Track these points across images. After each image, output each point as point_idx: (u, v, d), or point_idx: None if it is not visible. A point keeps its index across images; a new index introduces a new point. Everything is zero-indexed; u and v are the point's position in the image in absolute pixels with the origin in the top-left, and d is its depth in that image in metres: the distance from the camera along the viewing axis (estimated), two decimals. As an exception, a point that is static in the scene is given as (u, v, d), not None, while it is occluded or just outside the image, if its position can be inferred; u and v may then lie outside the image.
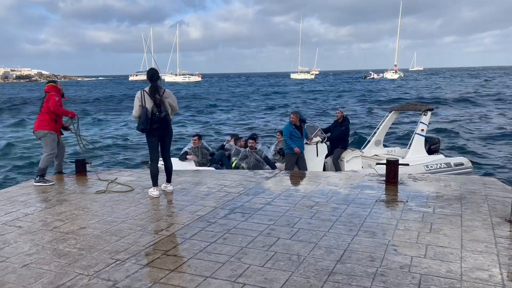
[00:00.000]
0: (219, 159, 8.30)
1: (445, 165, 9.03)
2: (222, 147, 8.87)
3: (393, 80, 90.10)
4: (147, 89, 5.39)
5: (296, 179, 6.36)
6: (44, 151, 6.41)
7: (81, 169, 6.86)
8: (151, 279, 3.17)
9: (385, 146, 10.52)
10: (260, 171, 7.10)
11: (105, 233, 4.19)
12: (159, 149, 5.61)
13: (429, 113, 9.11)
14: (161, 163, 5.72)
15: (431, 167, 8.87)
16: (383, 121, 10.20)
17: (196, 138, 8.46)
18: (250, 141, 8.38)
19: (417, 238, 3.87)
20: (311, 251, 3.63)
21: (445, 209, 4.70)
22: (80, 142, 6.88)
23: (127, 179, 6.49)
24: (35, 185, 6.16)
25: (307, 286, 3.00)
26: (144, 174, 6.87)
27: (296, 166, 8.22)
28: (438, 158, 9.18)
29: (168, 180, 5.78)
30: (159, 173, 5.66)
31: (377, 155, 9.68)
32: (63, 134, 6.78)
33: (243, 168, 7.99)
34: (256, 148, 8.30)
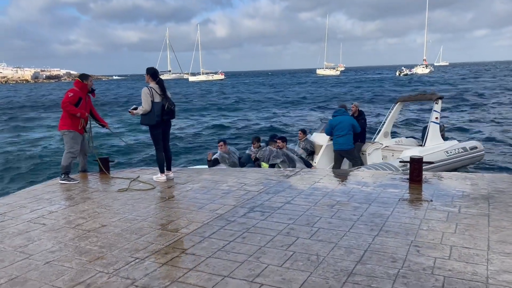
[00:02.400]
0: (246, 163, 8.30)
1: (462, 150, 9.32)
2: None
3: (424, 75, 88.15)
4: (152, 85, 5.91)
5: (318, 177, 6.27)
6: (65, 149, 6.54)
7: (104, 166, 6.95)
8: (169, 278, 3.18)
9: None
10: (281, 169, 7.05)
11: (126, 231, 4.23)
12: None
13: (440, 101, 9.27)
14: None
15: (450, 152, 9.10)
16: (390, 112, 10.28)
17: (221, 143, 8.34)
18: (279, 141, 8.24)
19: (441, 238, 3.75)
20: (331, 251, 3.56)
21: (471, 209, 4.54)
22: (90, 142, 6.89)
23: (149, 178, 6.56)
24: (60, 183, 6.30)
25: (326, 287, 2.94)
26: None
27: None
28: (454, 144, 9.44)
29: (169, 168, 6.44)
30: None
31: (388, 146, 9.75)
32: (86, 132, 6.76)
33: (279, 167, 7.96)
34: (287, 148, 8.24)
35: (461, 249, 3.50)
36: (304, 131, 9.38)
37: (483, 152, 9.93)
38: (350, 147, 8.50)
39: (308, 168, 8.11)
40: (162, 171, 6.27)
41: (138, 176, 6.59)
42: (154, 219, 4.60)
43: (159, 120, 5.91)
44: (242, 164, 8.19)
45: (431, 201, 4.87)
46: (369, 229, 4.05)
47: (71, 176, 6.48)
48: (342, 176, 6.32)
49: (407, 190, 5.40)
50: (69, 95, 6.38)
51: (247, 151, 9.00)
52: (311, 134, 9.51)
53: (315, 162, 8.74)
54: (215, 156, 8.28)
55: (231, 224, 4.32)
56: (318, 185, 5.81)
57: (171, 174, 6.43)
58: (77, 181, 6.38)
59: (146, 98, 5.86)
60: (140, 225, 4.41)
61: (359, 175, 6.44)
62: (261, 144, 8.90)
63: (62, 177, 6.40)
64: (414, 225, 4.13)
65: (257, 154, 8.33)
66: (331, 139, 8.77)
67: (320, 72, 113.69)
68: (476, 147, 9.68)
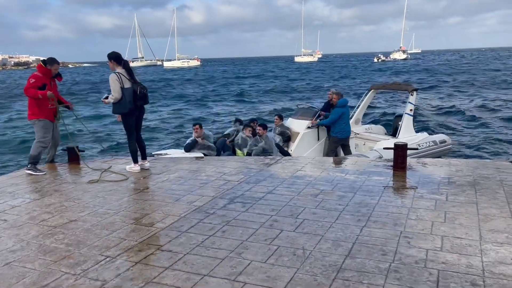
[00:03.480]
0: (220, 148, 7.96)
1: (432, 143, 9.32)
2: (226, 136, 8.48)
3: (401, 60, 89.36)
4: (119, 71, 5.52)
5: (300, 165, 6.06)
6: (35, 138, 6.11)
7: (73, 157, 6.55)
8: (143, 278, 2.90)
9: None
10: (261, 157, 6.80)
11: (96, 226, 3.91)
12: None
13: (415, 93, 9.22)
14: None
15: (422, 145, 9.09)
16: (362, 99, 10.22)
17: (197, 126, 7.86)
18: (259, 128, 7.92)
19: (431, 228, 3.59)
20: (317, 244, 3.35)
21: (458, 196, 4.41)
22: (64, 128, 6.44)
23: (122, 168, 6.20)
24: (26, 173, 5.89)
25: (314, 285, 2.73)
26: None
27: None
28: (425, 136, 9.46)
29: (144, 157, 6.13)
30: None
31: (358, 134, 9.70)
32: (58, 120, 6.24)
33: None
34: (266, 136, 7.89)
35: (453, 240, 3.35)
36: (280, 116, 9.10)
37: (451, 146, 10.00)
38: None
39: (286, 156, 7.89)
40: (135, 161, 5.95)
41: (110, 167, 6.22)
42: (127, 212, 4.28)
43: (132, 106, 5.55)
44: (217, 150, 7.87)
45: (417, 188, 4.72)
46: (356, 220, 3.86)
47: (38, 167, 6.06)
48: (324, 164, 6.12)
49: (391, 178, 5.25)
50: (31, 81, 5.89)
51: (228, 130, 8.72)
52: (287, 119, 9.25)
53: (291, 150, 8.51)
54: (189, 139, 7.91)
55: (210, 217, 4.05)
56: (301, 173, 5.59)
57: (146, 164, 6.10)
58: (43, 173, 5.97)
59: (115, 85, 5.47)
60: (112, 219, 4.09)
61: (341, 162, 6.26)
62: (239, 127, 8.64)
63: (29, 166, 6.00)
64: (402, 214, 3.97)
65: (236, 141, 8.05)
66: (314, 126, 8.60)
67: (298, 59, 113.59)
68: (445, 141, 9.68)
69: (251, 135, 7.98)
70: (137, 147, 5.91)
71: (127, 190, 5.08)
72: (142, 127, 6.13)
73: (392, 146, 8.36)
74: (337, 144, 8.47)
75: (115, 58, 5.60)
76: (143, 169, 5.98)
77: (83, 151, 6.77)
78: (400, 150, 5.51)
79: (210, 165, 6.25)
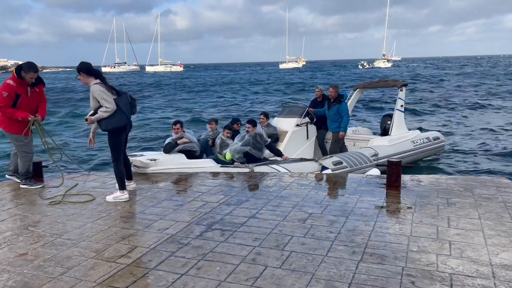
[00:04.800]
0: (203, 149, 7.24)
1: (426, 140, 9.09)
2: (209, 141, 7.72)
3: (387, 68, 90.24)
4: (96, 82, 4.72)
5: (284, 182, 5.58)
6: (17, 152, 5.51)
7: (36, 173, 5.91)
8: (97, 337, 2.35)
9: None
10: (242, 173, 6.27)
11: (49, 262, 3.34)
12: None
13: (404, 88, 8.96)
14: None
15: (416, 142, 8.84)
16: (348, 99, 9.72)
17: (178, 126, 6.99)
18: (248, 125, 7.19)
19: (436, 264, 3.14)
20: (308, 285, 2.86)
21: (461, 222, 3.98)
22: (47, 147, 5.55)
23: (90, 185, 5.61)
24: (22, 187, 5.53)
25: None
26: (111, 178, 6.00)
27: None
28: (418, 134, 9.22)
29: (129, 178, 5.27)
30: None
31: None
32: (32, 132, 5.48)
33: (237, 151, 6.96)
34: (255, 134, 7.12)
35: (463, 279, 2.90)
36: (266, 115, 8.46)
37: (444, 143, 9.87)
38: None
39: (279, 156, 7.37)
40: (122, 187, 4.92)
41: (76, 184, 5.63)
42: (88, 243, 3.72)
43: (129, 117, 4.83)
44: (200, 151, 7.16)
45: (415, 212, 4.29)
46: (351, 252, 3.39)
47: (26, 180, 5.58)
48: (312, 180, 5.65)
49: (385, 198, 4.81)
50: (4, 95, 5.12)
51: (203, 135, 7.84)
52: (272, 119, 8.72)
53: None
54: (169, 139, 7.06)
55: (184, 249, 3.52)
56: (286, 192, 5.11)
57: (132, 185, 5.27)
58: (41, 185, 5.59)
59: (106, 96, 4.60)
60: (69, 252, 3.52)
61: (330, 179, 5.80)
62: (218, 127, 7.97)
63: (23, 182, 5.57)
64: (402, 244, 3.51)
65: (216, 145, 7.34)
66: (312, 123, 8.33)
67: (283, 66, 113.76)
68: (438, 138, 9.50)
69: (230, 137, 7.35)
70: (124, 171, 4.99)
71: (92, 214, 4.50)
72: None
73: (386, 143, 8.16)
74: (342, 139, 8.17)
75: (86, 70, 4.73)
76: (142, 198, 5.01)
77: (47, 166, 6.14)
78: (394, 167, 5.08)
79: (187, 182, 5.72)
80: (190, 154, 6.80)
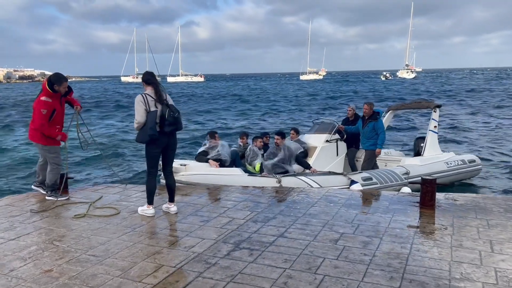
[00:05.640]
0: (233, 160, 7.26)
1: (461, 162, 8.82)
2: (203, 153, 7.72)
3: (412, 79, 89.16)
4: (148, 92, 4.64)
5: (313, 198, 5.40)
6: (50, 165, 5.50)
7: (62, 185, 5.87)
8: None
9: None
10: (269, 188, 6.13)
11: (74, 280, 3.25)
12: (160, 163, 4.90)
13: (438, 109, 8.77)
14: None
15: (450, 164, 8.60)
16: None
17: (215, 136, 7.21)
18: (277, 137, 7.31)
19: (483, 294, 2.91)
20: (345, 315, 2.68)
21: (505, 247, 3.73)
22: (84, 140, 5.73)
23: (114, 198, 5.55)
24: (47, 199, 5.51)
25: None
26: (134, 191, 5.94)
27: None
28: (452, 155, 8.97)
29: (171, 200, 4.96)
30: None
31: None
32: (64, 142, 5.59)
33: (268, 169, 7.03)
34: (285, 146, 7.20)
35: (516, 313, 2.67)
36: (296, 130, 8.50)
37: (480, 166, 9.48)
38: None
39: (307, 169, 7.30)
40: (150, 202, 4.83)
41: (101, 197, 5.57)
42: (113, 260, 3.62)
43: (155, 134, 4.55)
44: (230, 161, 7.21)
45: (453, 234, 4.05)
46: (388, 277, 3.19)
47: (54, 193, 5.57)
48: (340, 197, 5.46)
49: (419, 218, 4.58)
50: (43, 112, 5.16)
51: (233, 147, 8.03)
52: (303, 136, 8.69)
53: None
54: (201, 149, 7.16)
55: (212, 270, 3.39)
56: (315, 209, 4.93)
57: (173, 208, 4.91)
58: (66, 197, 5.55)
59: (139, 108, 4.57)
60: (95, 270, 3.43)
61: (360, 196, 5.59)
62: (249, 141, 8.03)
63: (49, 193, 5.55)
64: (443, 270, 3.29)
65: (246, 156, 7.37)
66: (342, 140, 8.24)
67: (303, 77, 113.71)
68: (474, 161, 9.20)
69: (261, 147, 7.46)
70: (155, 186, 4.89)
71: (117, 229, 4.41)
72: None
73: (418, 163, 7.94)
74: (375, 157, 8.06)
75: (148, 78, 4.74)
76: (170, 213, 4.88)
77: (72, 178, 6.12)
78: (429, 186, 4.84)
79: (211, 196, 5.60)
80: (220, 163, 6.92)
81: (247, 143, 7.93)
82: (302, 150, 7.37)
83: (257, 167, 7.18)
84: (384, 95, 42.79)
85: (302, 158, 7.48)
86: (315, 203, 5.20)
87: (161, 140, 4.66)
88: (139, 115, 4.57)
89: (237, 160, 7.35)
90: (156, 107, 4.60)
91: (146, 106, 4.57)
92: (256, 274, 3.29)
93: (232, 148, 7.75)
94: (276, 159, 7.11)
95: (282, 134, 7.36)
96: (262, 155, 7.33)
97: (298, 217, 4.65)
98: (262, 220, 4.59)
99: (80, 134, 5.73)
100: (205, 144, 7.24)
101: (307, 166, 7.37)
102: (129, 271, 3.40)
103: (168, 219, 4.72)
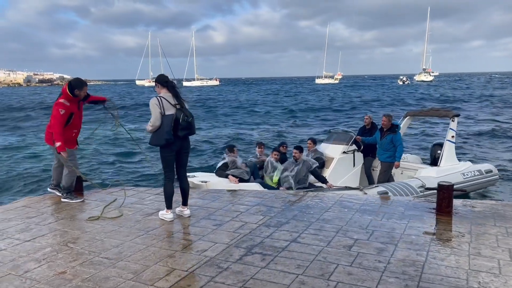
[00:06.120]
0: (251, 172, 7.33)
1: (477, 173, 8.65)
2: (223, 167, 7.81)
3: (428, 82, 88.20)
4: (163, 95, 4.64)
5: (326, 203, 5.35)
6: (67, 168, 5.55)
7: (78, 186, 5.95)
8: None
9: None
10: (281, 193, 6.10)
11: (87, 282, 3.26)
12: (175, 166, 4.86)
13: (456, 119, 8.61)
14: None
15: (467, 175, 8.43)
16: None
17: (234, 149, 7.33)
18: (295, 151, 7.41)
19: (502, 304, 2.82)
20: (358, 323, 2.62)
21: (525, 255, 3.62)
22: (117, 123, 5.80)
23: (129, 201, 5.58)
24: (63, 201, 5.60)
25: None
26: (148, 194, 5.97)
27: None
28: (469, 165, 8.77)
29: (184, 203, 4.97)
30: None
31: None
32: (78, 145, 5.70)
33: (287, 183, 7.12)
34: (303, 160, 7.31)
35: (537, 325, 2.58)
36: (314, 140, 8.57)
37: (497, 176, 9.30)
38: None
39: (323, 183, 7.33)
40: (169, 206, 4.81)
41: (115, 200, 5.61)
42: (126, 263, 3.63)
43: (170, 138, 4.55)
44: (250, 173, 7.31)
45: (471, 242, 3.95)
46: (403, 285, 3.12)
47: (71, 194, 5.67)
48: (354, 203, 5.39)
49: (436, 225, 4.48)
50: (61, 112, 5.22)
51: (250, 157, 8.15)
52: (320, 145, 8.71)
53: (326, 176, 7.93)
54: (220, 163, 7.29)
55: (224, 274, 3.37)
56: (328, 215, 4.87)
57: (186, 211, 4.94)
58: (81, 199, 5.62)
59: (154, 110, 4.56)
60: (107, 272, 3.44)
61: (374, 202, 5.51)
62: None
63: (65, 195, 5.63)
64: (460, 279, 3.21)
65: (265, 168, 7.46)
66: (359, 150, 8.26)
67: (319, 81, 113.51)
68: (491, 171, 9.01)
69: (278, 159, 7.55)
70: (173, 190, 4.81)
71: (130, 231, 4.43)
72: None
73: (434, 175, 7.83)
74: (391, 169, 8.04)
75: (163, 80, 4.73)
76: (183, 216, 4.91)
77: (86, 180, 6.17)
78: (446, 192, 4.75)
79: (222, 200, 5.59)
80: (240, 178, 7.01)
81: (263, 153, 8.05)
82: (317, 165, 7.47)
83: (275, 179, 7.29)
84: (405, 101, 42.05)
85: (318, 172, 7.58)
86: (329, 208, 5.15)
87: (176, 143, 4.65)
88: (155, 118, 4.56)
89: (256, 172, 7.46)
90: (171, 111, 4.60)
91: (161, 109, 4.57)
92: (268, 279, 3.26)
93: (249, 159, 7.92)
94: (293, 173, 7.18)
95: (300, 148, 7.47)
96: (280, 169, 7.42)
97: (311, 222, 4.60)
98: (275, 224, 4.55)
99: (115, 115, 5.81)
100: (224, 158, 7.36)
101: (324, 181, 7.43)
102: (141, 274, 3.40)
103: (181, 222, 4.72)
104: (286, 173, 7.22)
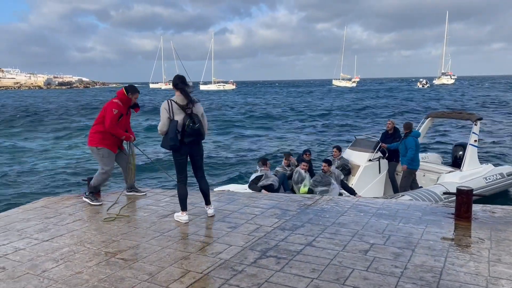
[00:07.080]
0: (281, 183, 7.47)
1: (499, 176, 8.61)
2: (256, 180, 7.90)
3: (449, 85, 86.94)
4: (175, 98, 4.62)
5: (342, 207, 5.30)
6: (99, 166, 5.62)
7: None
8: None
9: None
10: (296, 196, 6.08)
11: (103, 283, 3.30)
12: (189, 169, 4.88)
13: (479, 122, 8.55)
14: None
15: (489, 178, 8.41)
16: (419, 127, 9.45)
17: (267, 163, 7.71)
18: (324, 164, 7.56)
19: (523, 313, 2.74)
20: (374, 329, 2.58)
21: (548, 263, 3.51)
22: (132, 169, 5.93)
23: (145, 203, 5.63)
24: (84, 200, 5.67)
25: None
26: (163, 196, 6.01)
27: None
28: (491, 169, 8.73)
29: (207, 203, 5.03)
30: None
31: None
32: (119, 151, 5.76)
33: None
34: (330, 172, 7.45)
35: (560, 335, 2.49)
36: (339, 148, 8.70)
37: None
38: None
39: (352, 195, 7.37)
40: (183, 208, 4.81)
41: (131, 201, 5.66)
42: (142, 264, 3.65)
43: (174, 144, 4.53)
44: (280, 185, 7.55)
45: (491, 248, 3.86)
46: (420, 292, 3.06)
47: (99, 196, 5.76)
48: (371, 207, 5.33)
49: (455, 230, 4.39)
50: (114, 112, 5.36)
51: (278, 167, 8.30)
52: (345, 151, 8.74)
53: (351, 184, 7.96)
54: (253, 177, 7.52)
55: (238, 277, 3.36)
56: (344, 218, 4.82)
57: (210, 210, 4.99)
58: (100, 203, 5.60)
59: (162, 115, 4.58)
60: (123, 273, 3.47)
61: (391, 206, 5.43)
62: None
63: (87, 194, 5.66)
64: (480, 286, 3.13)
65: (293, 178, 7.60)
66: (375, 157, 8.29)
67: (336, 83, 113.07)
68: None
69: (307, 170, 7.71)
70: (186, 192, 4.81)
71: (145, 233, 4.47)
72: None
73: (457, 180, 7.74)
74: (413, 176, 8.05)
75: (176, 82, 4.66)
76: (195, 218, 4.91)
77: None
78: (465, 197, 4.65)
79: (237, 203, 5.58)
80: (270, 188, 7.20)
81: (290, 163, 8.20)
82: (343, 177, 7.61)
83: (302, 190, 7.39)
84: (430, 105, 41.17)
85: (347, 184, 7.70)
86: (344, 212, 5.10)
87: (183, 149, 4.64)
88: (162, 124, 4.59)
89: (285, 182, 7.60)
90: (180, 116, 4.55)
91: (169, 114, 4.55)
92: (283, 283, 3.24)
93: (277, 169, 8.14)
94: (325, 187, 7.28)
95: (329, 162, 7.59)
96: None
97: (327, 226, 4.56)
98: (290, 228, 4.53)
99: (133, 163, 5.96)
100: (257, 171, 7.51)
101: (353, 193, 7.47)
102: (156, 275, 3.42)
103: (196, 224, 4.73)
104: (319, 188, 7.28)
